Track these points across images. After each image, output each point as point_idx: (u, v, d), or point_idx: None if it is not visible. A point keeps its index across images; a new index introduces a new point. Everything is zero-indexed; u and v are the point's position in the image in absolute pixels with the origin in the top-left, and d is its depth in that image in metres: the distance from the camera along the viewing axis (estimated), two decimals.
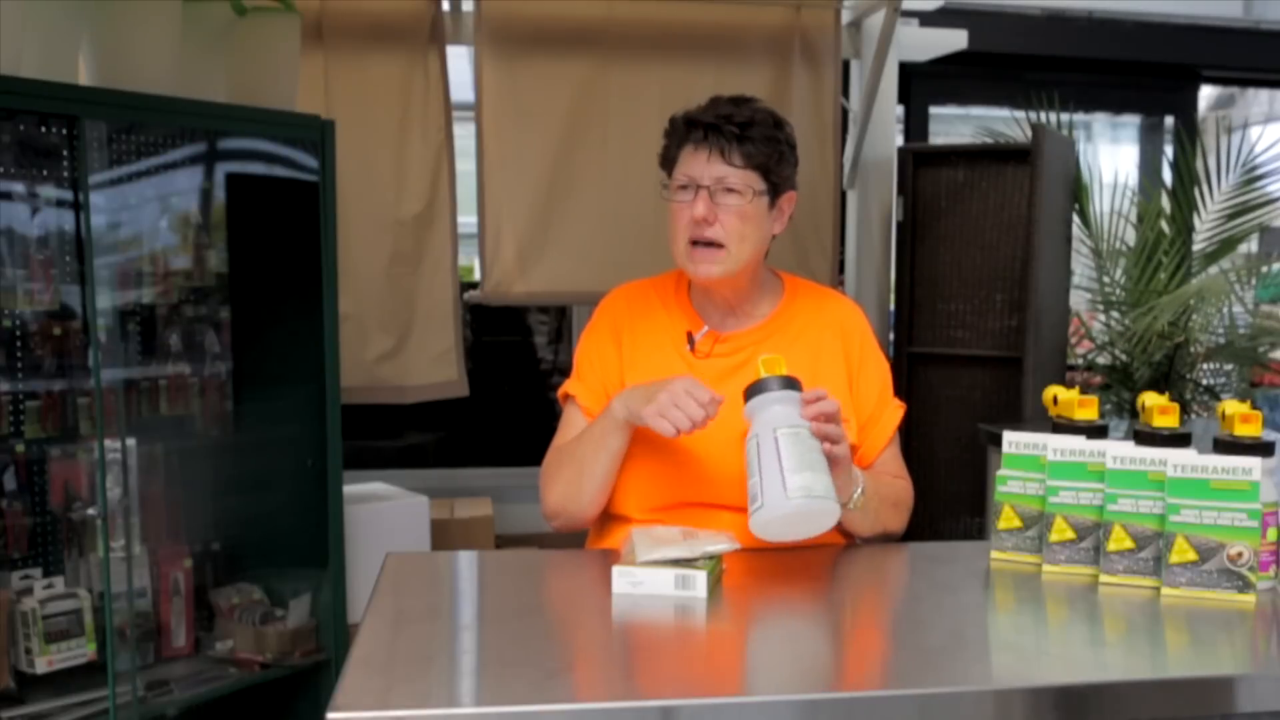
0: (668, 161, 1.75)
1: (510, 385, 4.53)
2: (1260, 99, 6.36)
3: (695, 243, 1.69)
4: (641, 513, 1.69)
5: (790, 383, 1.51)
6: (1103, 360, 3.99)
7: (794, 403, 1.50)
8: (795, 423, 1.48)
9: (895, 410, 1.80)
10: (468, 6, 3.32)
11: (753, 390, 1.51)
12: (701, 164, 1.67)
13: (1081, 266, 3.92)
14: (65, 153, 2.33)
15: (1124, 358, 3.88)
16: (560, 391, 1.84)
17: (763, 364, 1.52)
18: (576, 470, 1.70)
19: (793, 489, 1.43)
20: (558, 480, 1.73)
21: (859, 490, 1.63)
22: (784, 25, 3.40)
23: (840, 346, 1.77)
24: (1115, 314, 3.92)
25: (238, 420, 2.74)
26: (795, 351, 1.73)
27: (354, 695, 1.09)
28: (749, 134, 1.67)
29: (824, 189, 3.47)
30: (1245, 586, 1.40)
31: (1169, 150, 5.30)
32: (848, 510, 1.66)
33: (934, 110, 5.23)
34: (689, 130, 1.70)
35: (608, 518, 1.77)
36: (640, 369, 1.77)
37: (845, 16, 3.51)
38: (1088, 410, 1.62)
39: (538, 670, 1.17)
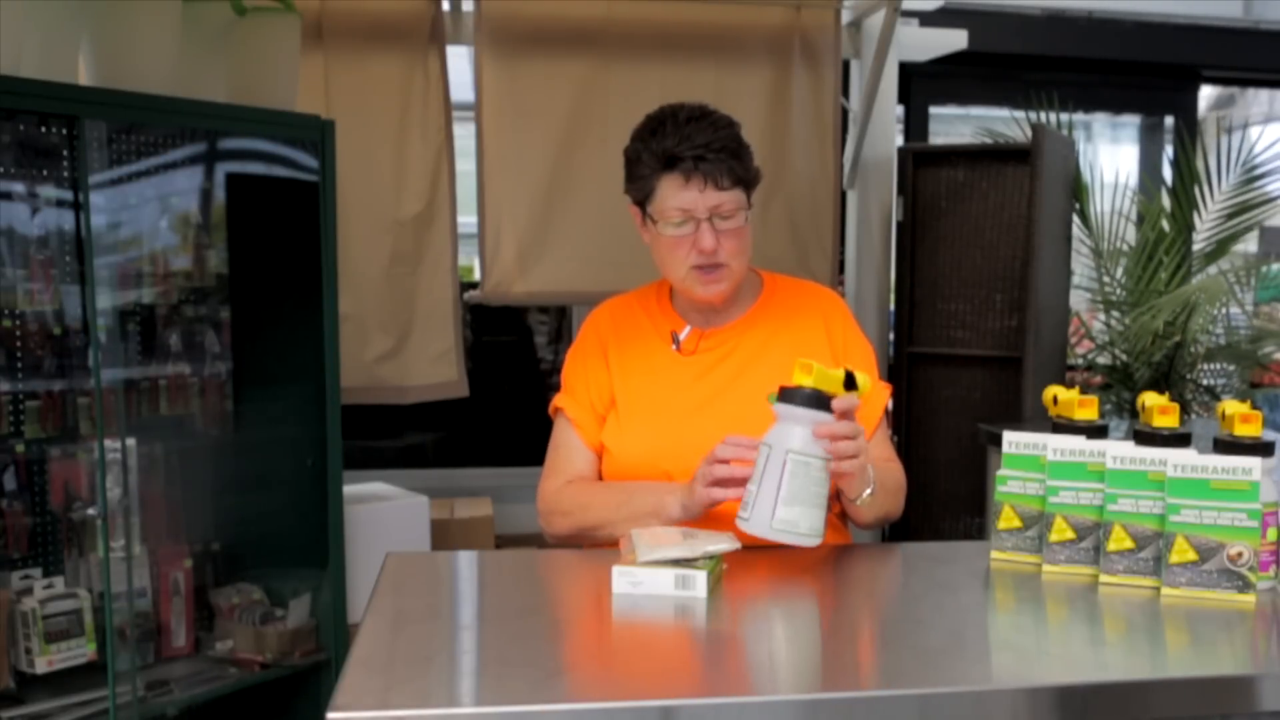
0: (642, 191, 1.73)
1: (510, 385, 4.53)
2: (1260, 99, 6.36)
3: (700, 267, 1.70)
4: None
5: (821, 400, 1.49)
6: (1103, 360, 3.99)
7: (816, 424, 1.49)
8: (810, 451, 1.48)
9: (881, 392, 1.81)
10: (468, 6, 3.32)
11: (786, 396, 1.50)
12: (694, 196, 1.68)
13: (1081, 266, 3.92)
14: (65, 153, 2.33)
15: (1124, 358, 3.88)
16: (551, 406, 1.86)
17: (799, 369, 1.50)
18: (598, 526, 1.71)
19: (778, 520, 1.48)
20: (569, 520, 1.75)
21: (869, 490, 1.65)
22: (784, 25, 3.40)
23: (823, 334, 1.80)
24: (1115, 314, 3.93)
25: (238, 420, 2.74)
26: (778, 342, 1.76)
27: (354, 695, 1.09)
28: (728, 154, 1.68)
29: (824, 189, 3.47)
30: (1245, 586, 1.40)
31: (1169, 150, 5.30)
32: (854, 505, 1.69)
33: (934, 110, 5.24)
34: (672, 163, 1.68)
35: None
36: (630, 374, 1.79)
37: (845, 16, 3.51)
38: (1088, 410, 1.62)
39: (538, 670, 1.17)
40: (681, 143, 1.67)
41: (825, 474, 1.50)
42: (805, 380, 1.49)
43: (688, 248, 1.70)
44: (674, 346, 1.78)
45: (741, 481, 1.53)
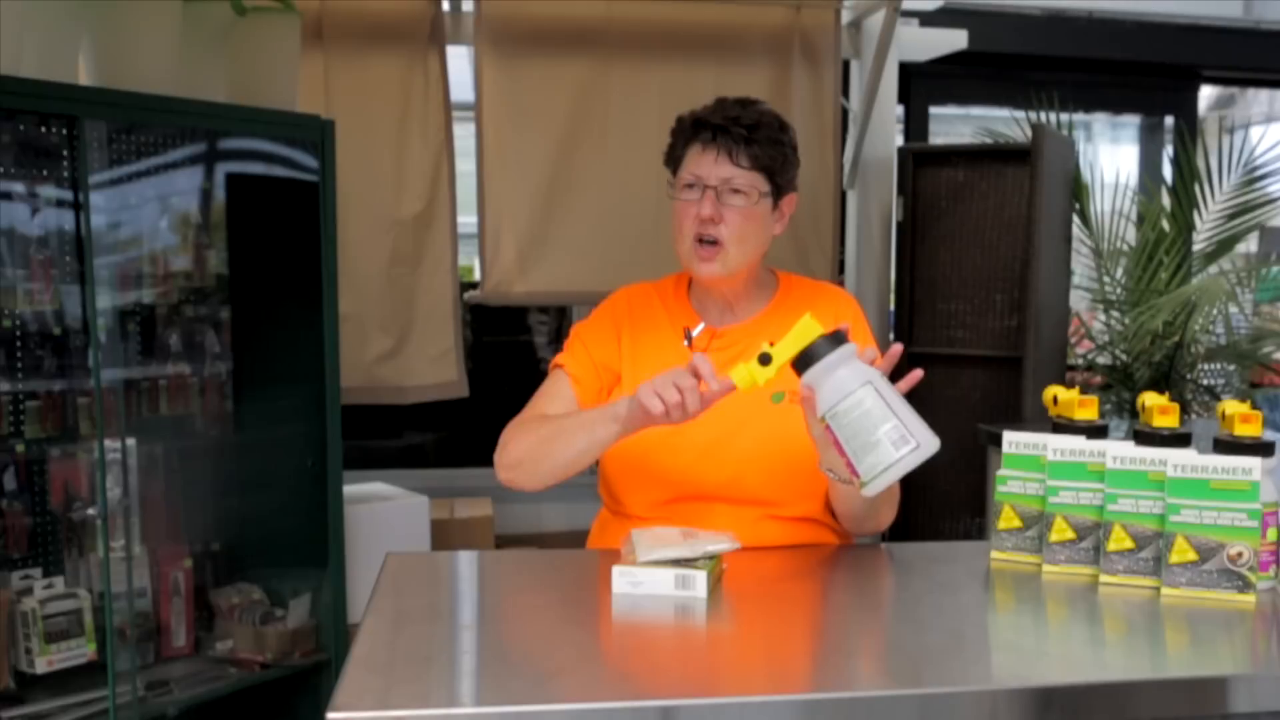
0: (673, 160, 1.77)
1: (510, 385, 4.53)
2: (1260, 99, 6.35)
3: (700, 240, 1.70)
4: (645, 509, 1.70)
5: (837, 338, 1.44)
6: (1103, 360, 3.99)
7: (854, 354, 1.44)
8: (878, 372, 1.43)
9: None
10: (468, 6, 3.32)
11: (822, 348, 1.42)
12: (709, 164, 1.69)
13: (1081, 266, 3.92)
14: (65, 153, 2.33)
15: (1124, 358, 3.88)
16: (551, 362, 1.83)
17: (810, 324, 1.44)
18: (550, 437, 1.65)
19: (927, 427, 1.41)
20: (527, 438, 1.68)
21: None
22: (784, 25, 3.40)
23: None
24: (1115, 314, 3.93)
25: (238, 420, 2.74)
26: None
27: (354, 695, 1.09)
28: (755, 136, 1.69)
29: (824, 189, 3.47)
30: (1245, 586, 1.40)
31: (1169, 150, 5.30)
32: (847, 513, 1.68)
33: (934, 110, 5.23)
34: (696, 130, 1.72)
35: (611, 516, 1.77)
36: (640, 364, 1.78)
37: (845, 16, 3.51)
38: (1088, 410, 1.62)
39: (538, 670, 1.17)
40: (712, 113, 1.71)
41: None
42: (818, 330, 1.43)
43: (693, 216, 1.70)
44: (686, 343, 1.78)
45: (679, 414, 1.48)
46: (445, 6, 3.27)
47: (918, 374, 1.54)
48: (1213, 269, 3.95)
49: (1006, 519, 1.58)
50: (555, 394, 1.77)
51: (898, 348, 1.51)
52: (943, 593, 1.50)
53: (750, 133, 1.69)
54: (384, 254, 3.22)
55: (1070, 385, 1.71)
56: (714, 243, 1.70)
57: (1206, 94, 5.83)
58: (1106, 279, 3.94)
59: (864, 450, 1.40)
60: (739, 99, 1.75)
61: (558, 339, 4.55)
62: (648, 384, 1.51)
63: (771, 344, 1.45)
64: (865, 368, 1.43)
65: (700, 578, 1.39)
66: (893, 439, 1.39)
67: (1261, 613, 1.38)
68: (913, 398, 1.46)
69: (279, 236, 2.69)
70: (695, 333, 1.78)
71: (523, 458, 1.68)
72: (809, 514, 1.72)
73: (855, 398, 1.40)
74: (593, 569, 1.59)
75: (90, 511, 2.32)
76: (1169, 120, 5.65)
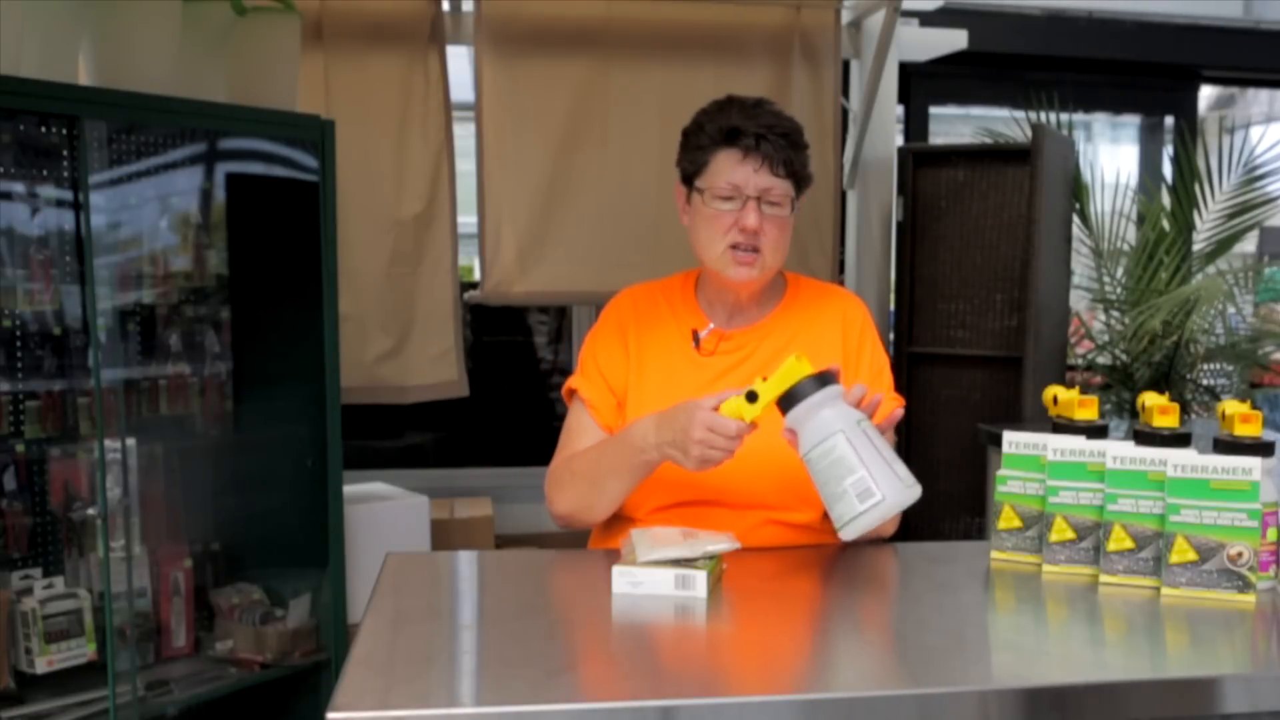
0: (695, 164, 1.73)
1: (510, 385, 4.53)
2: (1260, 99, 6.36)
3: (737, 247, 1.69)
4: (646, 512, 1.70)
5: (824, 379, 1.45)
6: (1103, 360, 4.00)
7: (841, 395, 1.46)
8: (860, 416, 1.45)
9: (891, 404, 1.80)
10: (468, 6, 3.33)
11: (804, 391, 1.43)
12: (747, 174, 1.67)
13: (1081, 266, 3.93)
14: (65, 153, 2.33)
15: (1124, 358, 3.88)
16: (565, 388, 1.83)
17: (796, 365, 1.45)
18: (594, 490, 1.70)
19: (904, 476, 1.43)
20: (570, 492, 1.74)
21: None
22: (784, 25, 3.40)
23: (839, 339, 1.78)
24: (1115, 314, 3.93)
25: (238, 420, 2.74)
26: (794, 347, 1.74)
27: (354, 695, 1.09)
28: (789, 142, 1.69)
29: (824, 189, 3.47)
30: (1245, 586, 1.40)
31: (1169, 150, 5.30)
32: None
33: (934, 110, 5.23)
34: (733, 137, 1.68)
35: (612, 518, 1.77)
36: (648, 369, 1.78)
37: (845, 16, 3.51)
38: (1088, 410, 1.62)
39: (538, 670, 1.17)
40: (747, 120, 1.68)
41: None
42: (805, 370, 1.45)
43: (729, 224, 1.68)
44: (694, 344, 1.77)
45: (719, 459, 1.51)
46: (445, 6, 3.27)
47: (898, 413, 1.59)
48: (1212, 269, 3.96)
49: (1006, 519, 1.58)
50: (581, 430, 1.78)
51: (898, 412, 1.57)
52: (943, 593, 1.50)
53: (782, 139, 1.68)
54: (384, 254, 3.22)
55: (1070, 385, 1.71)
56: (754, 249, 1.69)
57: (1206, 94, 5.83)
58: (1106, 279, 3.94)
59: (833, 499, 1.43)
60: (755, 100, 1.73)
61: (558, 339, 4.55)
62: (690, 462, 1.52)
63: (764, 379, 1.47)
64: (847, 412, 1.44)
65: (700, 578, 1.39)
66: (858, 491, 1.40)
67: (1261, 613, 1.38)
68: (915, 398, 1.46)
69: (279, 236, 2.69)
70: (703, 335, 1.77)
71: (574, 511, 1.74)
72: (810, 521, 1.71)
73: (827, 445, 1.42)
74: (593, 569, 1.59)
75: (90, 511, 2.32)
76: (1169, 120, 5.66)
